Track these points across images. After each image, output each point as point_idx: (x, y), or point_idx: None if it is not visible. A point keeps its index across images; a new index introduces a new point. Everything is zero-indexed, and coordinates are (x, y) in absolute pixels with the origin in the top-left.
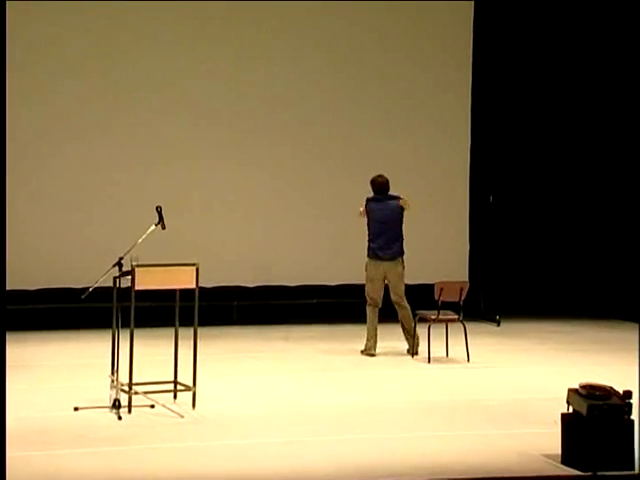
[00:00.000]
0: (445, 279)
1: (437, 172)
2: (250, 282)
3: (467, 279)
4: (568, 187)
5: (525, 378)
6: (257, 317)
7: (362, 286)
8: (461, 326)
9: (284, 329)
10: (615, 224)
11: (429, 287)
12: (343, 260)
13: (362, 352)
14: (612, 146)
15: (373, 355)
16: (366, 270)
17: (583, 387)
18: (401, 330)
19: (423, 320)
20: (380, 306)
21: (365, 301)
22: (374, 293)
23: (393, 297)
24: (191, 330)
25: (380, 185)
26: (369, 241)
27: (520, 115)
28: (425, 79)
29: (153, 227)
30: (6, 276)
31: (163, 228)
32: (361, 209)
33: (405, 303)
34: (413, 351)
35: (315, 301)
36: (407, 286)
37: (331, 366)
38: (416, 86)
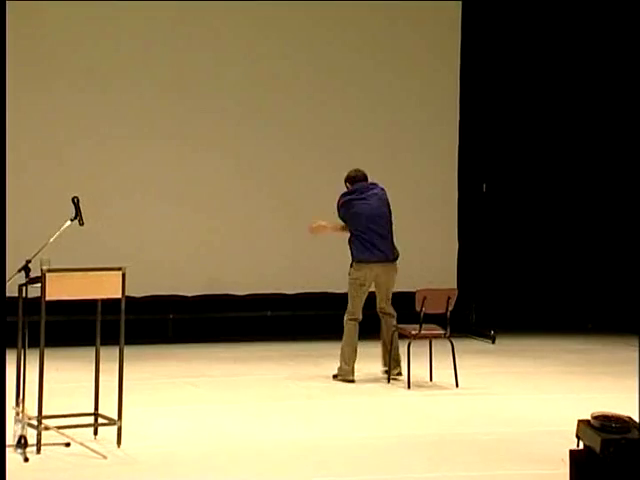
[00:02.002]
0: (429, 286)
1: (420, 156)
2: (189, 291)
3: (455, 286)
4: (577, 172)
5: (526, 407)
6: (198, 333)
7: (326, 295)
8: (448, 343)
9: (231, 348)
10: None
11: (409, 296)
12: (303, 265)
13: (335, 377)
14: (622, 131)
15: (352, 381)
16: (350, 275)
17: (596, 418)
18: (381, 347)
19: (402, 336)
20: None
21: (337, 312)
22: (359, 305)
23: (381, 304)
24: (116, 350)
25: (358, 174)
26: (354, 240)
27: (515, 90)
28: (409, 53)
29: (68, 223)
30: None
31: (81, 224)
32: (324, 224)
33: (393, 311)
34: (390, 374)
35: (269, 314)
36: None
37: (289, 394)
38: (398, 61)
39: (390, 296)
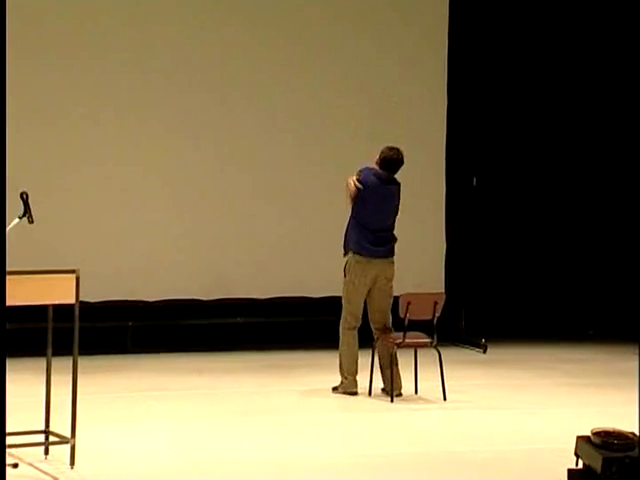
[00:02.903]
0: (414, 290)
1: (403, 145)
2: (150, 296)
3: (443, 290)
4: (578, 165)
5: (520, 423)
6: (159, 342)
7: (302, 300)
8: (435, 353)
9: (196, 358)
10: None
11: (393, 301)
12: (276, 267)
13: (335, 389)
14: (622, 123)
15: (355, 393)
16: (348, 272)
17: (597, 434)
18: (379, 366)
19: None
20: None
21: (314, 318)
22: (358, 307)
23: (377, 317)
24: (69, 360)
25: (392, 161)
26: (357, 228)
27: (507, 74)
28: (394, 37)
29: (17, 220)
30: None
31: (30, 222)
32: (352, 179)
33: (390, 325)
34: (394, 391)
35: (240, 320)
36: None
37: (261, 409)
38: (383, 45)
39: (389, 306)
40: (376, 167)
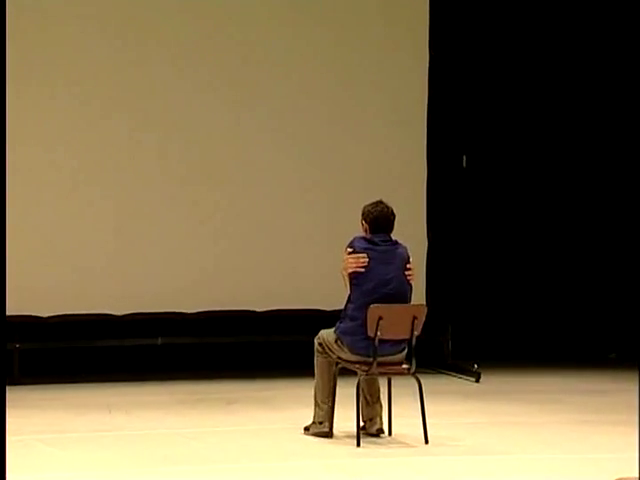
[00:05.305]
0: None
1: (374, 117)
2: (43, 309)
3: (424, 301)
4: (592, 145)
5: (523, 472)
6: (56, 370)
7: (240, 315)
8: (414, 382)
9: (103, 390)
10: None
11: None
12: (210, 274)
13: (307, 430)
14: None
15: (328, 435)
16: (331, 345)
17: None
18: (362, 399)
19: (348, 371)
20: None
21: (257, 338)
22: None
23: None
24: None
25: (382, 219)
26: (352, 314)
27: (500, 32)
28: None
29: None
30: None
31: None
32: (348, 263)
33: None
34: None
35: (160, 341)
36: (319, 312)
37: (187, 455)
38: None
39: None
40: (366, 234)
